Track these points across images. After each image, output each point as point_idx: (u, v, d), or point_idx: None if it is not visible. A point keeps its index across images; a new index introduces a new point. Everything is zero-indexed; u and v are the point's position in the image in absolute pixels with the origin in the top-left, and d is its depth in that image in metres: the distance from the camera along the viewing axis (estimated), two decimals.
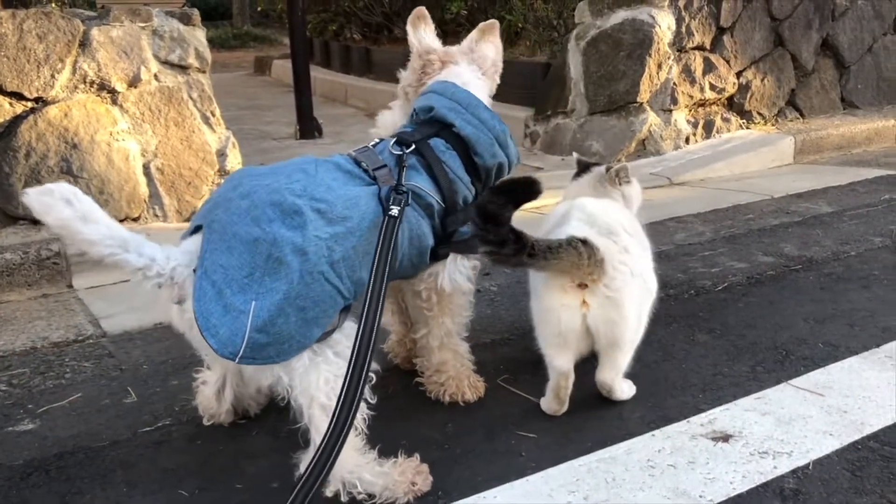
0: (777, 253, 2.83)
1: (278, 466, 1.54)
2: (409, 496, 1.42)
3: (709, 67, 4.63)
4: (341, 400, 1.27)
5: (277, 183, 1.40)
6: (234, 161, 3.34)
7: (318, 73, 7.52)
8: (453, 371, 1.79)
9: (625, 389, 1.78)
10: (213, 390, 1.69)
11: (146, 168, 3.16)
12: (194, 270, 1.35)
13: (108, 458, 1.60)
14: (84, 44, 3.03)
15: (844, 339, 2.07)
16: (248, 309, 1.30)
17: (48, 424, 1.75)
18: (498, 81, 1.93)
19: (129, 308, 2.51)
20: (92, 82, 3.05)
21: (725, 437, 1.62)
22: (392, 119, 1.90)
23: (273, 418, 1.75)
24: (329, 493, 1.41)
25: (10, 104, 2.92)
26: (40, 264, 2.72)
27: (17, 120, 2.93)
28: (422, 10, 1.84)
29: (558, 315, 1.62)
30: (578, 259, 1.56)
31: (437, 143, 1.66)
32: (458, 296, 1.75)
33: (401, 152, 1.59)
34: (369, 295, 1.37)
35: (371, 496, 1.41)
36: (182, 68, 3.26)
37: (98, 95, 3.08)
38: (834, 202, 3.57)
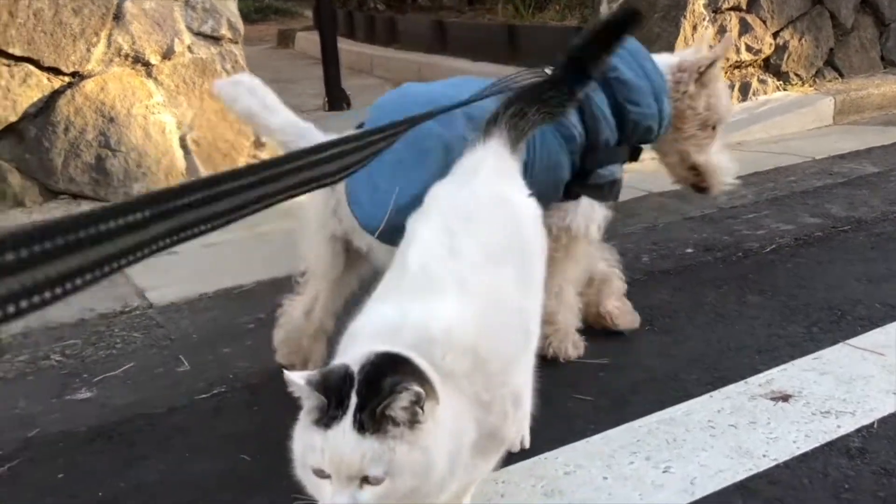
0: (823, 214, 2.78)
1: None
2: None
3: (745, 28, 4.52)
4: None
5: (436, 88, 1.54)
6: None
7: (342, 45, 7.44)
8: (562, 325, 1.76)
9: None
10: (303, 309, 1.69)
11: (182, 141, 3.16)
12: None
13: (167, 425, 1.61)
14: (118, 17, 3.02)
15: None
16: (392, 190, 1.41)
17: (105, 393, 1.77)
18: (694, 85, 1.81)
19: (174, 280, 2.52)
20: (126, 55, 3.05)
21: (785, 397, 1.60)
22: None
23: None
24: None
25: (48, 79, 2.92)
26: None
27: (56, 95, 2.93)
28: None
29: None
30: None
31: None
32: (585, 242, 1.72)
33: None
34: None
35: None
36: (215, 39, 3.24)
37: (133, 68, 3.07)
38: (879, 162, 3.49)
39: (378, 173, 1.42)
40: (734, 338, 1.86)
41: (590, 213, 1.71)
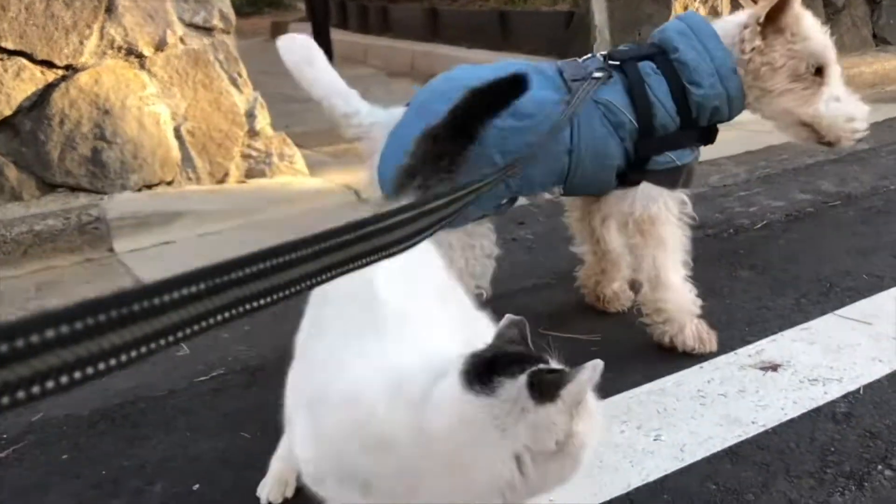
0: (815, 190, 2.81)
1: None
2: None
3: (736, 8, 4.53)
4: None
5: (478, 73, 1.53)
6: (264, 121, 3.35)
7: (335, 35, 7.46)
8: (673, 312, 1.69)
9: None
10: None
11: (177, 131, 3.17)
12: None
13: (169, 406, 1.64)
14: (110, 9, 3.03)
15: (889, 269, 2.06)
16: None
17: (107, 378, 1.79)
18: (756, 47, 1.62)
19: (172, 268, 2.51)
20: (119, 47, 3.06)
21: (774, 367, 1.63)
22: None
23: None
24: None
25: (42, 72, 2.94)
26: (81, 229, 2.76)
27: (50, 88, 2.95)
28: None
29: None
30: None
31: (646, 66, 1.62)
32: (661, 226, 1.66)
33: (604, 65, 1.61)
34: None
35: None
36: (207, 30, 3.25)
37: (126, 60, 3.09)
38: (870, 138, 3.45)
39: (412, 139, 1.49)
40: (724, 311, 1.89)
41: (651, 196, 1.65)
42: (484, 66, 1.65)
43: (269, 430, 1.52)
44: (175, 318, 0.55)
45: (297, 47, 1.54)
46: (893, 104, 4.23)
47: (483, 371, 0.78)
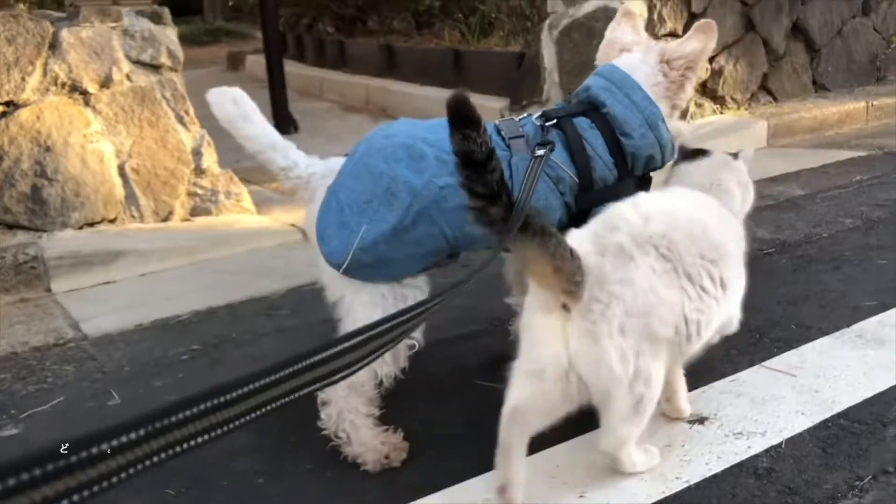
0: (751, 237, 2.87)
1: (263, 463, 1.55)
2: (377, 466, 1.55)
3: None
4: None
5: (416, 130, 1.59)
6: (210, 159, 3.33)
7: (292, 68, 7.48)
8: None
9: (635, 462, 1.46)
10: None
11: (121, 169, 3.14)
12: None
13: None
14: (54, 45, 3.00)
15: (816, 319, 2.12)
16: (358, 230, 1.50)
17: (32, 429, 1.76)
18: (687, 78, 1.74)
19: (109, 310, 2.51)
20: (63, 84, 3.03)
21: (701, 420, 1.66)
22: None
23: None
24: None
25: None
26: (17, 269, 2.70)
27: None
28: (627, 8, 1.87)
29: (538, 337, 1.34)
30: (541, 254, 1.22)
31: (581, 122, 1.66)
32: None
33: (541, 123, 1.65)
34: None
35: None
36: (154, 68, 3.24)
37: (70, 97, 3.06)
38: (806, 185, 3.62)
39: (349, 211, 1.52)
40: None
41: None
42: (422, 122, 1.67)
43: (194, 486, 1.50)
44: (112, 465, 0.62)
45: (230, 101, 1.53)
46: (830, 150, 4.39)
47: (693, 154, 1.71)
